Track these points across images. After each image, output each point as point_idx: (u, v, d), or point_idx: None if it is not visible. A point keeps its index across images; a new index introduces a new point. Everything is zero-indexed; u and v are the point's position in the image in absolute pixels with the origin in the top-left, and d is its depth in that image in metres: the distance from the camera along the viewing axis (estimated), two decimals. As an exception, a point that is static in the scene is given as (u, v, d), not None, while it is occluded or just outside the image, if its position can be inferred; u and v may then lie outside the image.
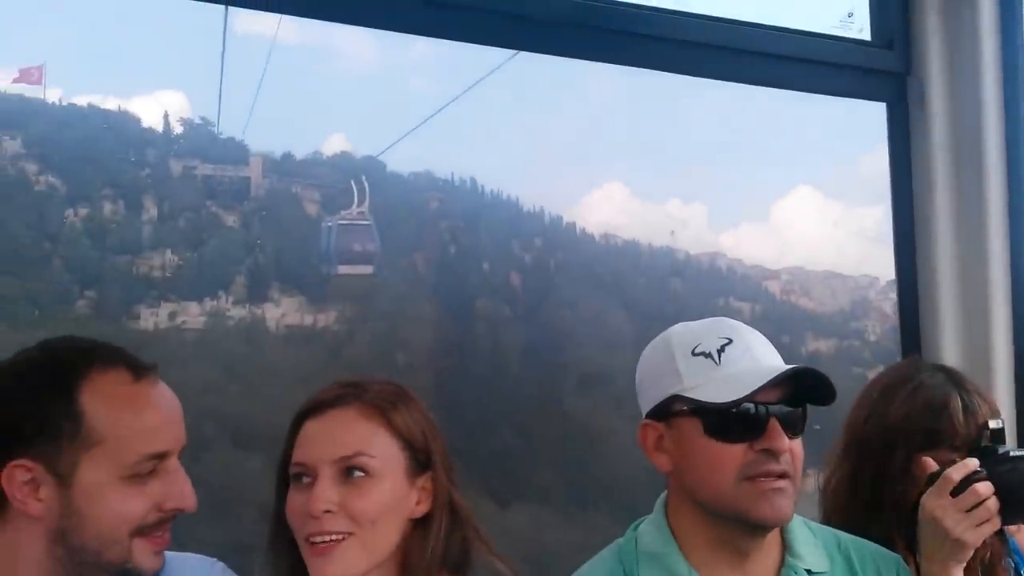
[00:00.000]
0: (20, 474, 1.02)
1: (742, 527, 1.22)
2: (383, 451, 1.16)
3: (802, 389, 1.21)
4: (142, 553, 1.07)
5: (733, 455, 1.19)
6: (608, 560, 1.30)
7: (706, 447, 1.20)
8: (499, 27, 1.77)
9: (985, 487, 1.35)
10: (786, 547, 1.27)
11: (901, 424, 1.53)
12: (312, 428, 1.17)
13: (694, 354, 1.24)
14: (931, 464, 1.42)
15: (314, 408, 1.18)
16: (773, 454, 1.18)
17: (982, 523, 1.35)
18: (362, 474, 1.14)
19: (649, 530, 1.30)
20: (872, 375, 1.69)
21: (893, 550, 1.46)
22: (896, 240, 2.11)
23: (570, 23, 1.80)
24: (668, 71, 1.92)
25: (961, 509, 1.34)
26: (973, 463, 1.37)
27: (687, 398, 1.21)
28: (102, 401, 1.04)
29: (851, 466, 1.60)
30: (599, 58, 1.89)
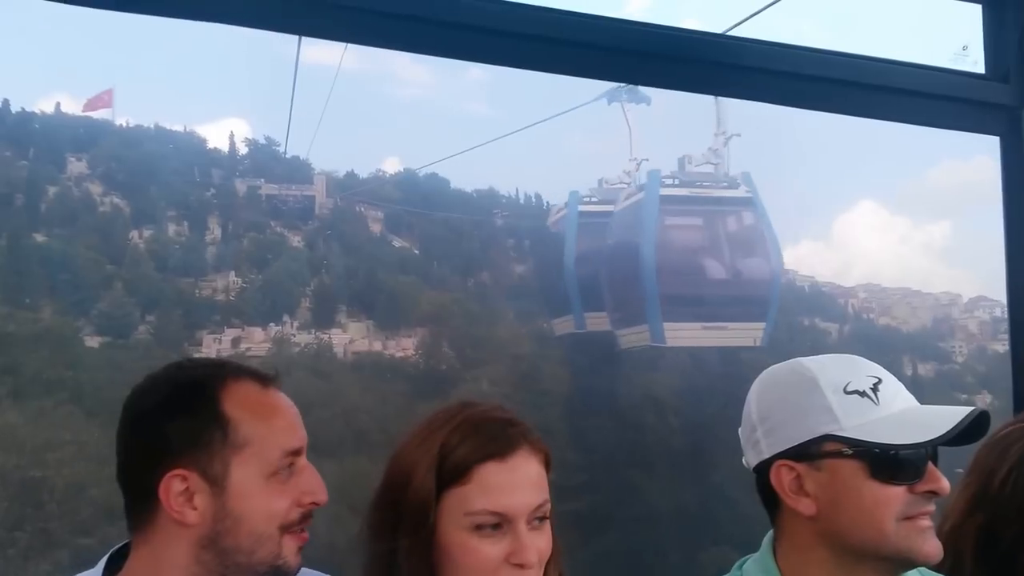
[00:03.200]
0: (177, 484, 1.13)
1: (895, 566, 1.26)
2: (549, 494, 1.24)
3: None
4: (290, 549, 1.19)
5: (897, 497, 1.22)
6: None
7: (869, 489, 1.23)
8: (555, 56, 1.85)
9: None
10: None
11: None
12: (502, 475, 1.19)
13: (847, 392, 1.26)
14: None
15: (495, 452, 1.20)
16: (935, 494, 1.24)
17: None
18: (544, 521, 1.21)
19: (754, 570, 1.33)
20: (979, 401, 1.71)
21: None
22: (1009, 277, 2.12)
23: (672, 56, 1.95)
24: (781, 104, 2.03)
25: None
26: None
27: (848, 439, 1.23)
28: (242, 407, 1.18)
29: (982, 521, 1.57)
30: (699, 90, 2.01)
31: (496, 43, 1.82)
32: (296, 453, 1.21)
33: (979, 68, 2.15)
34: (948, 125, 2.17)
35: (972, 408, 1.22)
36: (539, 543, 1.18)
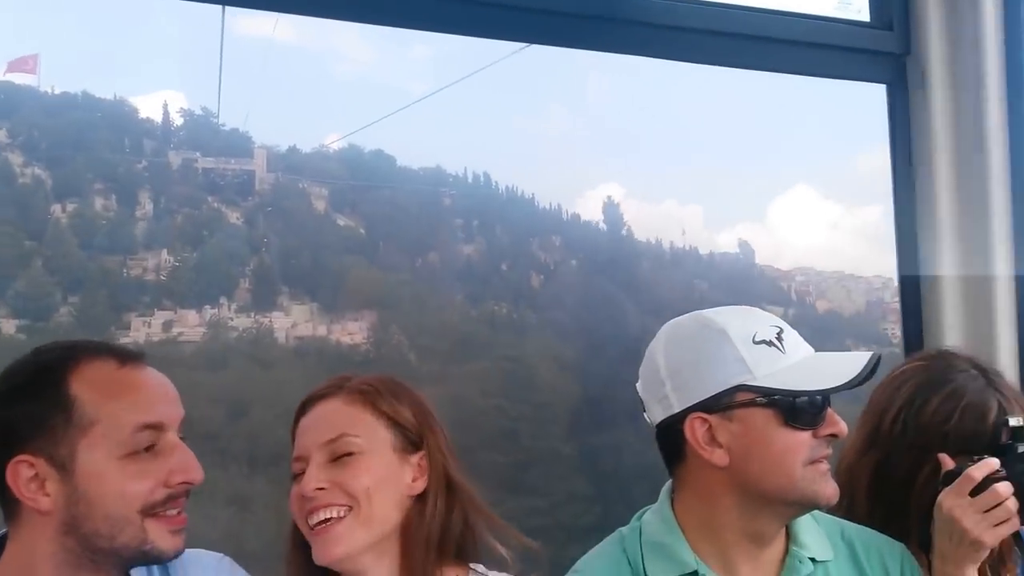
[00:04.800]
0: (24, 471, 1.16)
1: (797, 509, 1.37)
2: (367, 430, 1.34)
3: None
4: (158, 533, 1.19)
5: (804, 442, 1.32)
6: (611, 550, 1.43)
7: (781, 436, 1.31)
8: (497, 19, 1.96)
9: (1005, 487, 1.43)
10: (791, 536, 1.41)
11: (938, 428, 1.61)
12: (302, 424, 1.37)
13: (755, 342, 1.33)
14: (948, 462, 1.51)
15: (303, 406, 1.39)
16: (835, 437, 1.36)
17: (1001, 523, 1.44)
18: (349, 455, 1.31)
19: (654, 520, 1.42)
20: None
21: (906, 537, 1.57)
22: (897, 224, 2.29)
23: (568, 13, 2.00)
24: (664, 58, 2.12)
25: (980, 510, 1.43)
26: (994, 463, 1.45)
27: (760, 388, 1.31)
28: (90, 386, 1.18)
29: (875, 460, 1.67)
30: (594, 46, 2.09)
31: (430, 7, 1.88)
32: (155, 428, 1.20)
33: (864, 16, 2.28)
34: (835, 74, 2.31)
35: (872, 354, 1.34)
36: (334, 476, 1.31)
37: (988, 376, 1.67)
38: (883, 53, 2.28)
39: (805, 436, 1.32)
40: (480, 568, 1.40)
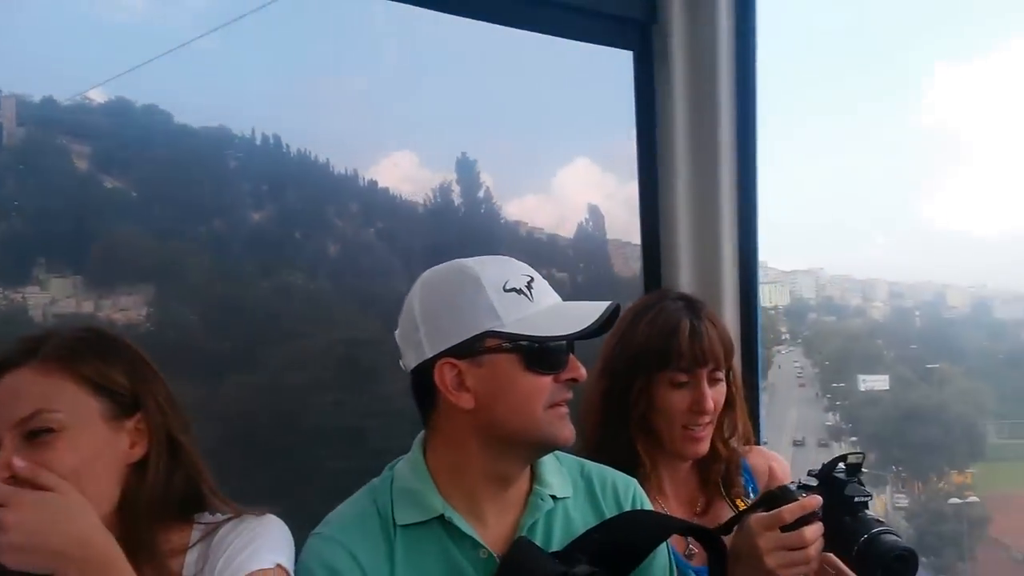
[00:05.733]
0: None
1: (538, 451, 1.46)
2: (69, 402, 1.23)
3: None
4: None
5: (545, 386, 1.40)
6: (361, 500, 1.48)
7: (524, 380, 1.38)
8: None
9: (813, 533, 1.51)
10: (535, 476, 1.50)
11: (642, 347, 1.82)
12: None
13: (506, 290, 1.40)
14: (777, 475, 1.66)
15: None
16: (575, 381, 1.44)
17: (798, 566, 1.52)
18: (49, 432, 1.20)
19: (405, 469, 1.48)
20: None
21: (635, 467, 1.78)
22: (641, 185, 2.50)
23: None
24: (417, 5, 2.18)
25: (783, 546, 1.51)
26: (813, 503, 1.52)
27: (508, 334, 1.38)
28: None
29: (602, 387, 1.86)
30: None
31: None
32: None
33: (614, -19, 2.42)
34: (586, 38, 2.46)
35: (610, 303, 1.44)
36: (33, 460, 1.18)
37: (691, 304, 1.87)
38: (630, 20, 2.42)
39: (547, 380, 1.41)
40: (205, 517, 1.38)
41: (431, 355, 1.40)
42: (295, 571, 1.35)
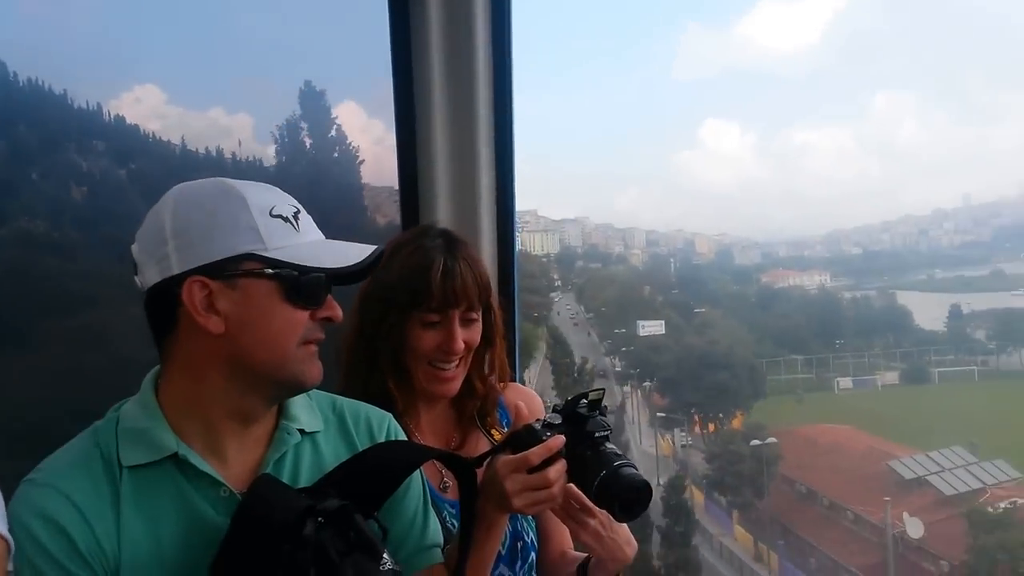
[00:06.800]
0: None
1: (285, 390, 1.42)
2: None
3: None
4: None
5: (301, 320, 1.36)
6: (81, 443, 1.37)
7: (280, 311, 1.34)
8: None
9: (556, 472, 1.53)
10: (282, 412, 1.46)
11: (395, 283, 1.81)
12: None
13: (272, 215, 1.34)
14: (523, 415, 1.64)
15: None
16: (331, 321, 1.41)
17: (543, 503, 1.56)
18: None
19: (134, 407, 1.39)
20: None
21: (389, 405, 1.75)
22: (398, 125, 2.49)
23: None
24: None
25: (528, 487, 1.53)
26: (557, 443, 1.54)
27: (269, 259, 1.32)
28: None
29: (357, 322, 1.85)
30: None
31: None
32: None
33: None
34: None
35: (378, 246, 1.42)
36: None
37: (450, 242, 1.87)
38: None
39: (303, 315, 1.37)
40: None
41: (179, 271, 1.31)
42: (9, 528, 1.23)
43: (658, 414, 47.41)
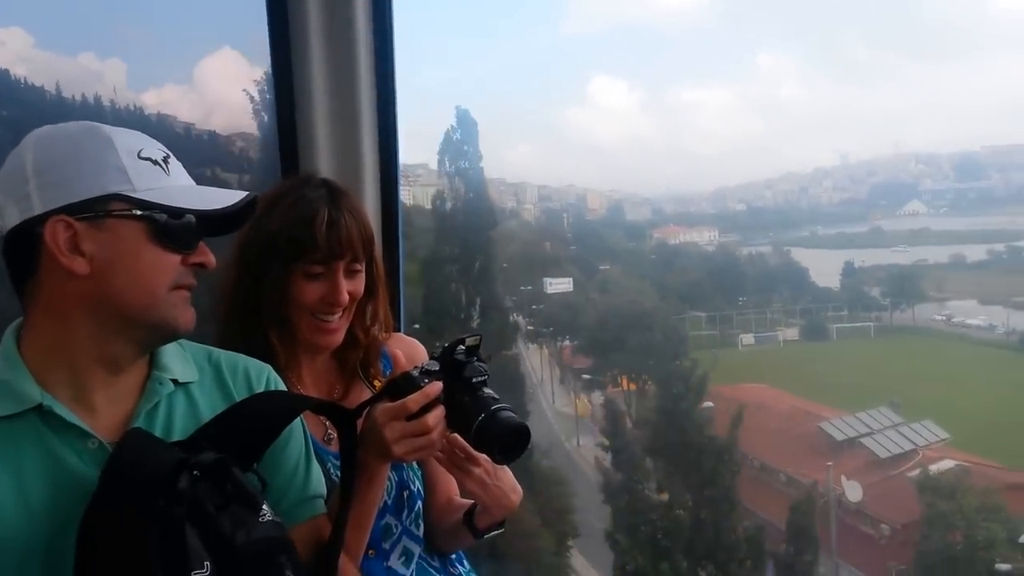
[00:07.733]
0: None
1: (156, 335, 1.39)
2: None
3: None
4: None
5: (172, 264, 1.35)
6: None
7: (149, 254, 1.32)
8: None
9: (435, 418, 1.55)
10: (153, 362, 1.44)
11: (276, 234, 1.77)
12: None
13: (141, 158, 1.33)
14: (400, 363, 1.65)
15: None
16: (203, 268, 1.39)
17: (423, 450, 1.58)
18: None
19: None
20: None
21: (273, 356, 1.76)
22: (273, 60, 2.41)
23: None
24: None
25: (407, 434, 1.54)
26: (435, 390, 1.55)
27: (138, 200, 1.30)
28: None
29: (235, 274, 1.83)
30: None
31: None
32: None
33: None
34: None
35: (249, 192, 1.41)
36: None
37: (333, 193, 1.85)
38: None
39: (174, 259, 1.35)
40: None
41: (41, 211, 1.28)
42: None
43: (583, 376, 46.71)
